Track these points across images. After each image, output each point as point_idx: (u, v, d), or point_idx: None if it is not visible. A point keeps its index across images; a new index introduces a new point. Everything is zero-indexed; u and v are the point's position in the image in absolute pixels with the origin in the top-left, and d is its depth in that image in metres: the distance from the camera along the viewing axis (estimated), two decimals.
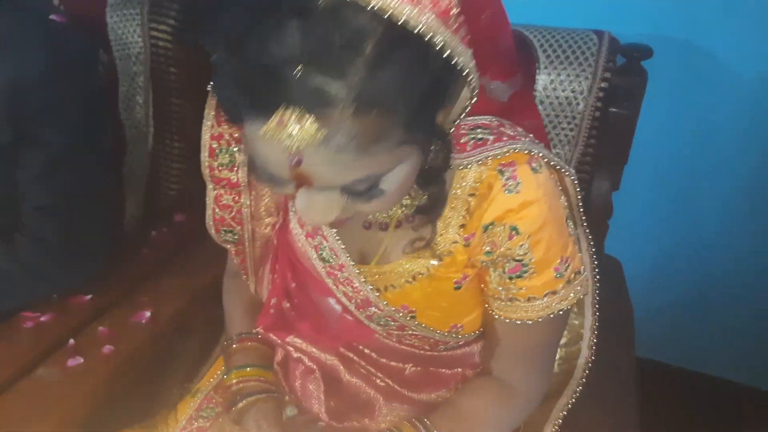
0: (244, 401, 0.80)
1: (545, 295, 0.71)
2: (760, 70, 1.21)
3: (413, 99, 0.51)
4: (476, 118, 0.71)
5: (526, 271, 0.70)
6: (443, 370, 0.85)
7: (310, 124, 0.48)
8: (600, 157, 1.08)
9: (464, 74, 0.54)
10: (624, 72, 1.05)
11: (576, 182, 0.73)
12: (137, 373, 0.95)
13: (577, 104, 1.03)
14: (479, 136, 0.69)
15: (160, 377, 1.06)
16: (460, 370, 0.85)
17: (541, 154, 0.68)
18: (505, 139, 0.68)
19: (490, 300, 0.75)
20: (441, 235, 0.71)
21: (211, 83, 0.66)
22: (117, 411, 0.94)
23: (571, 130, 1.04)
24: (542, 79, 1.04)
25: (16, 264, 0.95)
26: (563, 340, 0.87)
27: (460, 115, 0.61)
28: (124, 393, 0.94)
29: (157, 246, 1.15)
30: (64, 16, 1.01)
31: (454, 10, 0.52)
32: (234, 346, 0.87)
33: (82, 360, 0.90)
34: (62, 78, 0.94)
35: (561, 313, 0.72)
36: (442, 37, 0.50)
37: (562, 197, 0.71)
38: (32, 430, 0.80)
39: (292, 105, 0.48)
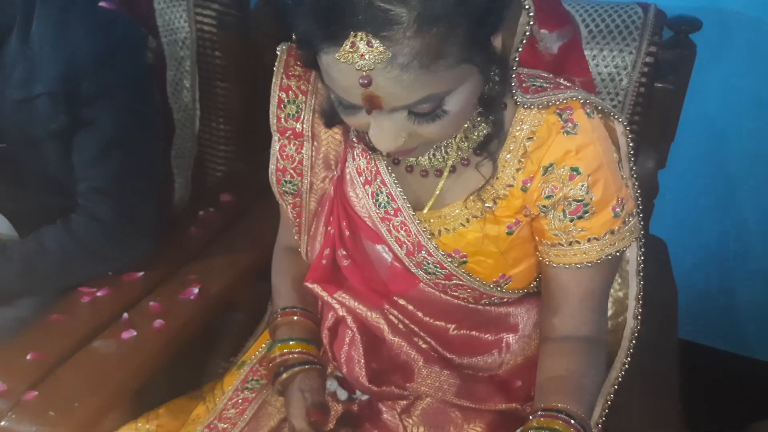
0: (287, 372, 0.83)
1: (605, 235, 0.75)
2: None
3: (471, 17, 0.57)
4: (535, 70, 0.77)
5: (587, 211, 0.74)
6: (486, 335, 0.86)
7: (377, 45, 0.55)
8: (645, 135, 1.06)
9: None
10: (671, 46, 1.02)
11: (628, 131, 0.78)
12: (186, 346, 0.99)
13: (621, 80, 1.00)
14: (538, 83, 0.75)
15: (207, 350, 1.10)
16: (502, 335, 0.86)
17: (594, 103, 0.74)
18: (562, 87, 0.75)
19: (548, 250, 0.78)
20: (497, 178, 0.75)
21: (282, 44, 0.83)
22: (167, 381, 0.98)
23: (614, 106, 1.02)
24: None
25: (75, 244, 0.99)
26: (609, 312, 0.87)
27: (521, 42, 0.66)
28: (174, 364, 0.98)
29: (205, 225, 1.19)
30: (114, 3, 1.04)
31: None
32: (279, 319, 0.90)
33: (135, 333, 0.94)
34: (114, 63, 0.97)
35: (618, 254, 0.77)
36: None
37: (613, 145, 0.76)
38: (88, 398, 0.85)
39: (362, 30, 0.55)
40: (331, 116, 0.77)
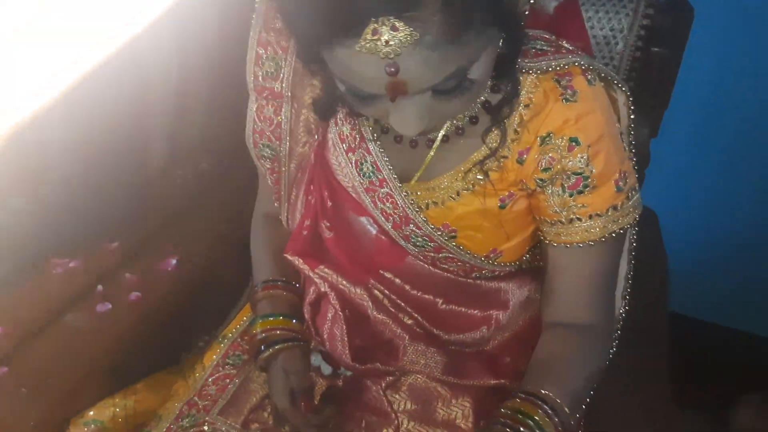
0: (269, 350, 0.80)
1: (608, 211, 0.71)
2: None
3: None
4: (536, 30, 0.72)
5: (587, 185, 0.70)
6: (474, 311, 0.84)
7: (402, 27, 0.51)
8: (639, 101, 1.02)
9: None
10: (668, 8, 0.98)
11: (631, 101, 0.74)
12: (164, 319, 0.96)
13: (616, 43, 0.97)
14: (539, 46, 0.70)
15: (187, 323, 1.07)
16: (492, 312, 0.84)
17: (597, 69, 0.70)
18: (563, 51, 0.70)
19: (548, 229, 0.74)
20: (490, 148, 0.71)
21: None
22: (144, 356, 0.95)
23: None
24: None
25: (44, 211, 0.95)
26: None
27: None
28: (152, 338, 0.95)
29: (182, 193, 1.15)
30: None
31: None
32: (259, 292, 0.87)
33: (110, 306, 0.91)
34: None
35: (621, 232, 0.73)
36: None
37: (615, 116, 0.72)
38: (62, 374, 0.82)
39: (383, 14, 0.51)
40: (327, 108, 0.73)
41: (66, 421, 0.84)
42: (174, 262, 0.99)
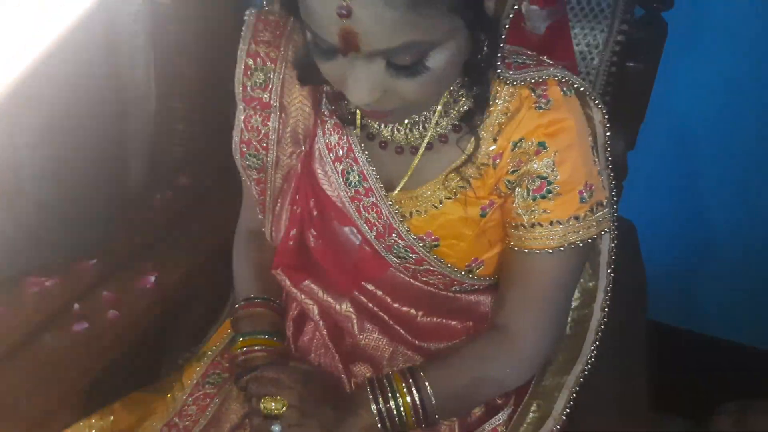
0: (249, 375, 0.79)
1: (569, 220, 0.72)
2: None
3: None
4: (519, 47, 0.74)
5: (550, 191, 0.71)
6: (454, 322, 0.85)
7: None
8: (615, 115, 1.04)
9: None
10: (642, 24, 1.00)
11: (606, 118, 0.75)
12: (143, 337, 0.95)
13: (592, 59, 0.99)
14: (521, 60, 0.72)
15: (166, 342, 1.05)
16: (471, 323, 0.85)
17: (571, 81, 0.71)
18: (545, 65, 0.72)
19: (511, 232, 0.75)
20: (473, 155, 0.72)
21: (249, 9, 0.78)
22: (123, 376, 0.94)
23: None
24: None
25: (18, 229, 0.94)
26: (575, 303, 0.86)
27: (512, 8, 0.62)
28: (130, 358, 0.93)
29: (162, 210, 1.13)
30: None
31: None
32: (240, 311, 0.86)
33: (87, 325, 0.89)
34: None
35: (581, 245, 0.73)
36: None
37: (589, 130, 0.73)
38: (36, 396, 0.80)
39: None
40: (306, 69, 0.72)
41: None
42: (152, 279, 0.98)
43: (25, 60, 0.88)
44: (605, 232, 0.76)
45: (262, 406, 0.73)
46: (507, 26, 0.64)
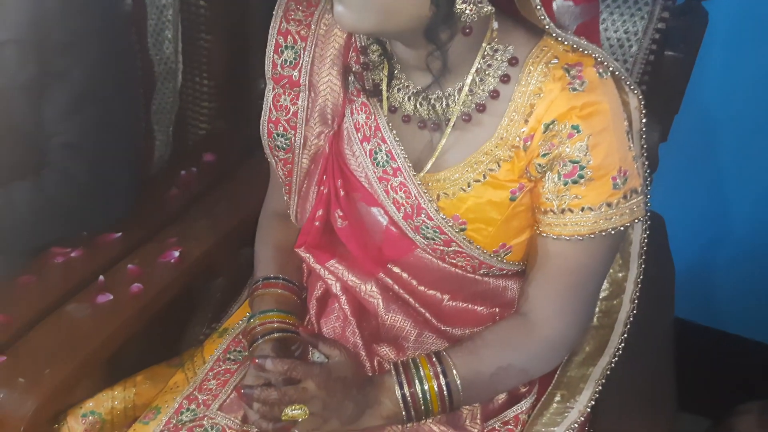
0: (262, 339, 0.79)
1: (601, 206, 0.70)
2: None
3: None
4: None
5: (582, 176, 0.69)
6: (479, 308, 0.83)
7: None
8: (650, 105, 1.01)
9: None
10: (683, 12, 0.97)
11: (643, 104, 0.72)
12: (165, 311, 0.95)
13: (630, 46, 0.96)
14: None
15: (187, 316, 1.06)
16: (497, 309, 0.84)
17: (607, 64, 0.69)
18: (583, 39, 0.70)
19: (541, 218, 0.73)
20: (502, 138, 0.71)
21: None
22: (144, 348, 0.94)
23: None
24: None
25: (44, 200, 0.94)
26: (604, 294, 0.84)
27: None
28: (152, 330, 0.94)
29: (186, 186, 1.13)
30: None
31: None
32: (259, 290, 0.86)
33: (111, 297, 0.90)
34: (87, 9, 0.91)
35: (613, 233, 0.71)
36: None
37: (624, 115, 0.70)
38: (60, 364, 0.80)
39: None
40: None
41: (63, 411, 0.83)
42: (176, 254, 0.98)
43: (53, 34, 0.88)
44: (638, 220, 0.73)
45: (284, 414, 0.70)
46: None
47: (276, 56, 0.80)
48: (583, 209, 0.70)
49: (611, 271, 0.84)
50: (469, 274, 0.81)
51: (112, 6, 0.99)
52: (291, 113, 0.82)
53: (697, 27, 0.98)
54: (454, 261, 0.80)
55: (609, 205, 0.70)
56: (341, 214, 0.82)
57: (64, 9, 0.88)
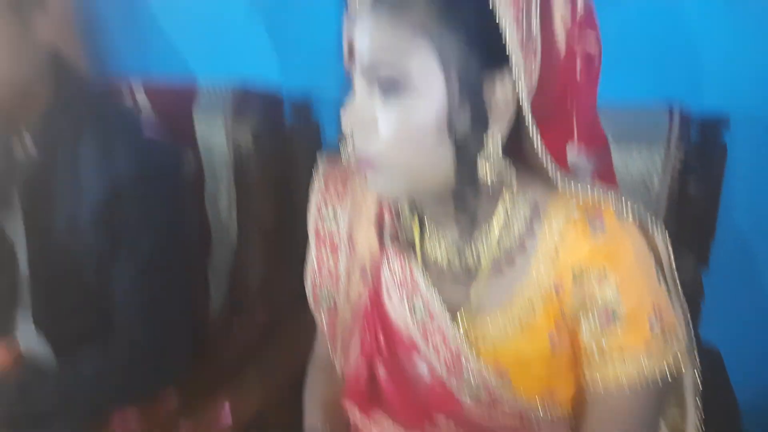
0: None
1: (640, 353, 0.69)
2: None
3: (459, 25, 0.63)
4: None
5: (616, 322, 0.69)
6: None
7: None
8: (682, 235, 1.02)
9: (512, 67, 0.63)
10: (700, 148, 1.01)
11: (668, 240, 0.73)
12: None
13: (652, 181, 0.99)
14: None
15: None
16: None
17: (627, 206, 0.71)
18: (597, 186, 0.73)
19: (583, 372, 0.73)
20: (532, 279, 0.72)
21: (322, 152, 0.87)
22: None
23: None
24: None
25: (112, 367, 0.99)
26: None
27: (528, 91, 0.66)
28: None
29: (239, 343, 1.17)
30: (156, 128, 1.08)
31: (534, 29, 0.64)
32: None
33: None
34: (153, 185, 1.00)
35: (660, 382, 0.69)
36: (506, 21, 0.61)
37: (651, 253, 0.71)
38: None
39: None
40: None
41: None
42: (227, 409, 1.00)
43: (125, 208, 0.97)
44: (686, 364, 0.72)
45: None
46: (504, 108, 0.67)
47: (317, 217, 0.86)
48: (624, 358, 0.70)
49: (671, 420, 0.81)
50: (517, 424, 0.79)
51: (174, 181, 1.07)
52: (333, 272, 0.86)
53: (717, 161, 1.01)
54: (501, 410, 0.78)
55: (648, 349, 0.69)
56: (383, 367, 0.84)
57: (134, 191, 0.96)
